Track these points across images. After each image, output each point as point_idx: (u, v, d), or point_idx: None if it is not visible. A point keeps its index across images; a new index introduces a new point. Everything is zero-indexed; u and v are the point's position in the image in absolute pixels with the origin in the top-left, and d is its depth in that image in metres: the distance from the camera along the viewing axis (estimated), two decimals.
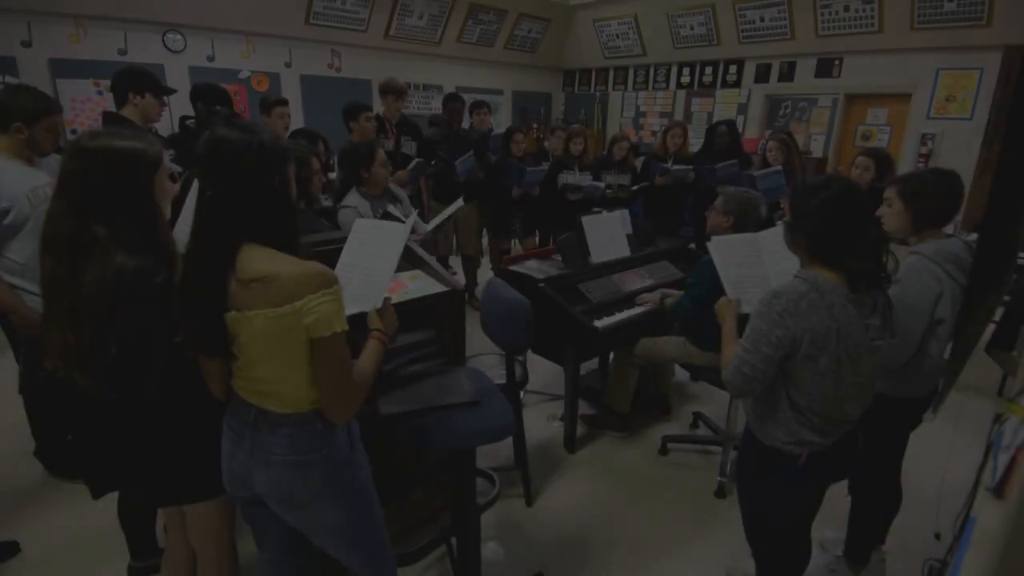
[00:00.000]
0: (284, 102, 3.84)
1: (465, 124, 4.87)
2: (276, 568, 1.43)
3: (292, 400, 1.19)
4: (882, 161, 3.19)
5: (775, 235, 1.96)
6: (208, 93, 3.27)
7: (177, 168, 2.56)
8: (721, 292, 2.51)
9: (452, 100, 4.61)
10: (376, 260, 1.53)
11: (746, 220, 2.55)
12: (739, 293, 1.92)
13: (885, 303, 1.44)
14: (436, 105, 7.29)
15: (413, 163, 3.87)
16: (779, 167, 3.73)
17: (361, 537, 1.34)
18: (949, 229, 1.82)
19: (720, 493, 2.57)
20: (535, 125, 8.75)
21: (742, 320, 1.61)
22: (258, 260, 1.10)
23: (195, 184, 1.16)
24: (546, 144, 4.97)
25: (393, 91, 4.21)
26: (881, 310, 1.42)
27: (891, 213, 1.77)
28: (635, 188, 4.41)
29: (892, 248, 1.48)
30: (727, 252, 2.01)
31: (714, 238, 2.04)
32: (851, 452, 1.56)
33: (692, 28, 7.32)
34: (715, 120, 7.05)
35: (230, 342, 1.15)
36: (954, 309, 1.64)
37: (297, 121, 5.92)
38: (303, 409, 1.20)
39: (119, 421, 1.37)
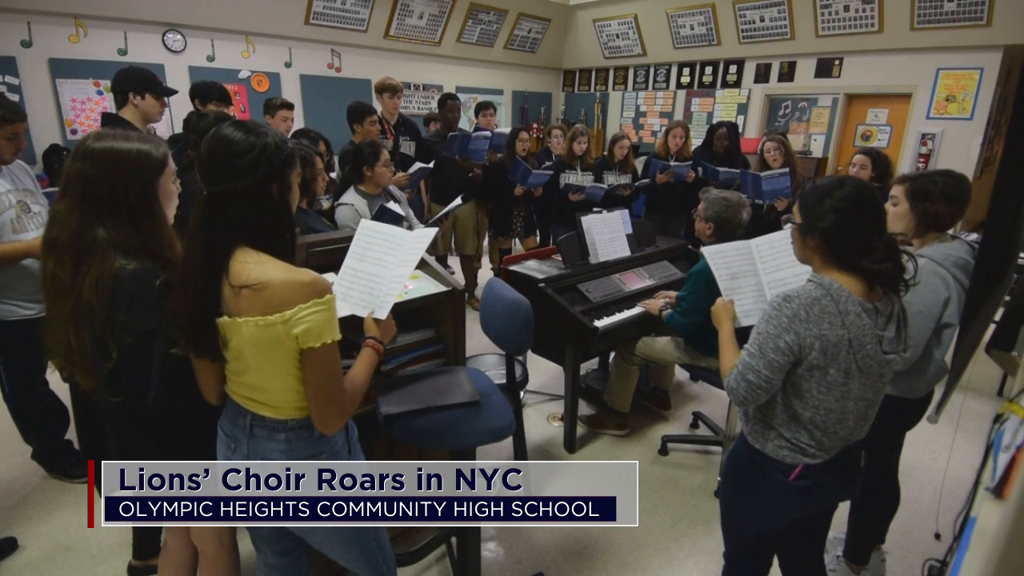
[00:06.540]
0: (290, 106, 3.84)
1: (464, 124, 4.86)
2: (275, 570, 1.42)
3: (286, 406, 1.17)
4: (879, 160, 3.20)
5: (769, 243, 1.91)
6: (205, 90, 3.30)
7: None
8: (712, 301, 2.51)
9: (450, 99, 4.63)
10: (384, 267, 1.46)
11: (726, 226, 2.48)
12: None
13: (900, 314, 1.35)
14: (436, 106, 7.28)
15: (414, 167, 3.86)
16: (785, 169, 3.71)
17: (360, 538, 1.33)
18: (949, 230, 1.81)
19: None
20: (535, 125, 8.75)
21: (740, 332, 1.57)
22: (250, 266, 1.07)
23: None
24: (549, 144, 4.96)
25: (388, 89, 4.24)
26: (896, 321, 1.33)
27: (896, 213, 1.73)
28: (636, 185, 4.40)
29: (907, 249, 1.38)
30: (719, 262, 1.95)
31: (704, 248, 1.97)
32: (851, 472, 1.46)
33: (692, 28, 7.32)
34: (715, 120, 7.07)
35: (222, 346, 1.13)
36: (959, 313, 1.62)
37: (297, 121, 5.91)
38: (298, 416, 1.18)
39: (120, 423, 1.37)
